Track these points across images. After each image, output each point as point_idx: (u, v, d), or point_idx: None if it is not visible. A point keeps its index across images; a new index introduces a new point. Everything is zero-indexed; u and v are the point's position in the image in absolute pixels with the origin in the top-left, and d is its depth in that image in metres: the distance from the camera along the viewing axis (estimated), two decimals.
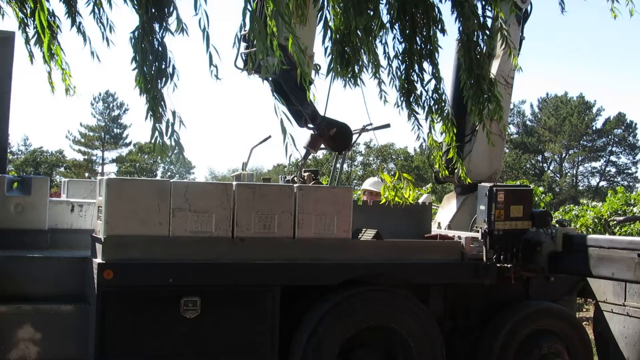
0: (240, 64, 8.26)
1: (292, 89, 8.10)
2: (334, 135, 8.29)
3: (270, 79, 8.04)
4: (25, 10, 5.68)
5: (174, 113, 5.55)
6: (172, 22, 5.56)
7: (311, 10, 7.57)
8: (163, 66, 5.58)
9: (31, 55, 6.02)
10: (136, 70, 5.56)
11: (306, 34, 8.03)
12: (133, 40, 5.59)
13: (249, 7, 5.24)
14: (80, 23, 6.06)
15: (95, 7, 6.02)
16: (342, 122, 8.47)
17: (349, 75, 6.80)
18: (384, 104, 7.45)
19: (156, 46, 5.60)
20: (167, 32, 5.61)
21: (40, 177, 8.37)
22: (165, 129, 5.52)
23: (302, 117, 8.35)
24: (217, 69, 5.50)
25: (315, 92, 7.40)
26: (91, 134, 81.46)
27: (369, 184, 11.72)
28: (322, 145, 8.73)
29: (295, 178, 8.62)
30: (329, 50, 6.56)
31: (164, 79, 5.58)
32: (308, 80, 5.77)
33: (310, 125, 8.38)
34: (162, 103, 5.53)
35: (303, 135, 8.63)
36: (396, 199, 7.99)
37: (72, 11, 6.00)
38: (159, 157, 5.58)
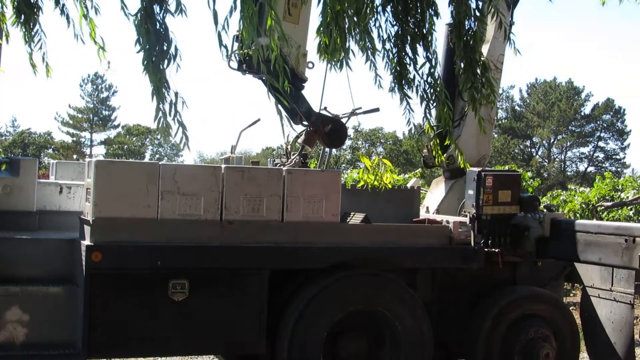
0: (234, 64, 8.23)
1: (284, 88, 8.09)
2: (328, 132, 8.30)
3: (264, 78, 8.02)
4: None
5: (176, 94, 5.58)
6: (171, 2, 5.56)
7: (303, 10, 7.57)
8: (165, 47, 5.58)
9: (7, 35, 5.99)
10: (141, 52, 5.55)
11: (299, 32, 8.03)
12: (136, 22, 5.58)
13: None
14: (63, 5, 6.02)
15: None
16: (336, 117, 8.46)
17: (335, 60, 6.80)
18: (379, 89, 7.46)
19: (158, 27, 5.60)
20: (167, 14, 5.60)
21: (29, 158, 8.34)
22: (169, 110, 5.53)
23: (297, 115, 8.34)
24: (227, 50, 5.51)
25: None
26: (80, 115, 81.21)
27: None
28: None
29: (283, 160, 8.63)
30: (318, 35, 6.56)
31: (166, 61, 5.59)
32: (281, 65, 5.76)
33: (305, 123, 8.38)
34: (166, 84, 5.54)
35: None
36: (375, 182, 8.00)
37: None
38: (163, 137, 5.61)
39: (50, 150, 78.09)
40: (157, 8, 5.62)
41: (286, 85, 6.02)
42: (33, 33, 5.79)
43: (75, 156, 70.40)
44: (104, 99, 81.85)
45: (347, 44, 6.79)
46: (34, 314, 6.89)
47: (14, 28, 5.79)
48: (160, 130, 5.59)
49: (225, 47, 5.54)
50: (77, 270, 6.98)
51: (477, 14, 7.29)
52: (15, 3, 5.63)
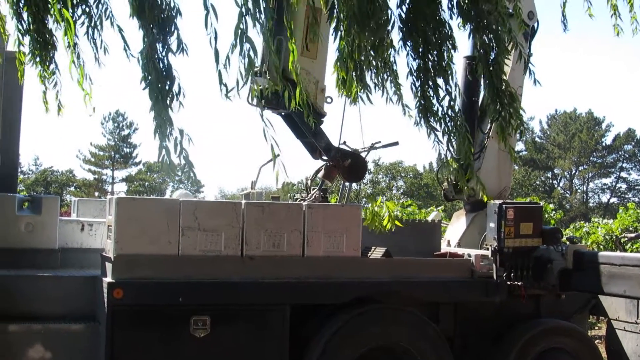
0: (253, 100, 8.26)
1: (304, 122, 8.11)
2: (348, 166, 8.29)
3: (283, 114, 8.05)
4: (22, 27, 5.71)
5: (181, 131, 5.57)
6: (173, 41, 5.60)
7: (321, 45, 7.62)
8: (168, 86, 5.61)
9: (22, 75, 6.05)
10: (147, 89, 5.59)
11: (317, 67, 8.06)
12: (141, 60, 5.62)
13: (241, 26, 5.26)
14: (76, 44, 6.08)
15: (90, 29, 6.05)
16: (356, 152, 8.46)
17: (350, 94, 6.83)
18: (408, 118, 7.46)
19: (161, 66, 5.63)
20: (169, 52, 5.64)
21: (51, 196, 8.40)
22: (174, 147, 5.54)
23: (316, 149, 8.35)
24: (226, 88, 5.52)
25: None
26: (101, 153, 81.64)
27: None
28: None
29: (303, 195, 8.63)
30: (336, 69, 6.59)
31: (169, 98, 5.61)
32: (304, 100, 5.78)
33: (325, 157, 8.38)
34: (169, 122, 5.56)
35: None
36: (375, 225, 7.93)
37: (69, 32, 6.02)
38: (167, 176, 5.62)
39: (72, 188, 78.48)
40: (159, 46, 5.66)
41: (310, 120, 6.03)
42: (49, 72, 5.85)
43: (96, 193, 70.70)
44: (125, 136, 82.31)
45: (365, 79, 6.82)
46: (57, 351, 6.91)
47: (31, 67, 5.85)
48: (163, 168, 5.61)
49: (225, 85, 5.54)
50: (99, 307, 6.99)
51: (499, 44, 7.30)
52: (32, 43, 5.69)
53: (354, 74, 6.57)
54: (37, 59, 5.74)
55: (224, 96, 5.56)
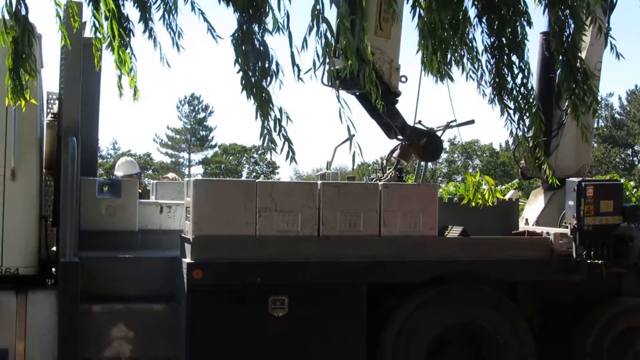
0: (327, 80, 8.25)
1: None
2: (424, 145, 8.23)
3: (357, 94, 8.03)
4: (98, 14, 5.80)
5: (280, 110, 5.63)
6: (269, 21, 5.63)
7: (395, 24, 7.57)
8: (267, 65, 5.65)
9: (99, 61, 6.15)
10: (240, 72, 5.64)
11: (390, 47, 8.00)
12: (234, 42, 5.67)
13: (318, 6, 5.27)
14: (151, 28, 6.15)
15: (166, 13, 6.11)
16: (431, 131, 8.39)
17: (435, 71, 6.78)
18: (483, 97, 7.41)
19: (257, 46, 5.68)
20: (265, 32, 5.68)
21: (130, 179, 8.54)
22: (274, 126, 5.60)
23: (391, 129, 8.31)
24: (299, 70, 5.55)
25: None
26: (178, 136, 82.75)
27: (121, 169, 10.94)
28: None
29: (379, 175, 8.61)
30: (421, 48, 6.56)
31: (268, 78, 5.66)
32: (374, 82, 5.75)
33: (400, 137, 8.34)
34: (270, 102, 5.61)
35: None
36: (477, 199, 7.87)
37: (145, 16, 6.09)
38: (268, 154, 5.67)
39: (150, 171, 79.76)
40: (255, 27, 5.70)
41: (379, 102, 6.01)
42: (125, 57, 5.92)
43: (170, 175, 71.44)
44: (201, 119, 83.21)
45: (447, 55, 6.77)
46: (139, 330, 7.06)
47: (108, 52, 5.93)
48: (265, 147, 5.66)
49: (298, 66, 5.56)
50: (179, 287, 7.11)
51: (575, 20, 7.17)
52: (111, 28, 5.77)
53: (439, 52, 6.54)
54: (114, 45, 5.82)
55: (297, 78, 5.59)
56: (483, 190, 7.81)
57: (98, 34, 5.92)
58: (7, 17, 5.33)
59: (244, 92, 5.66)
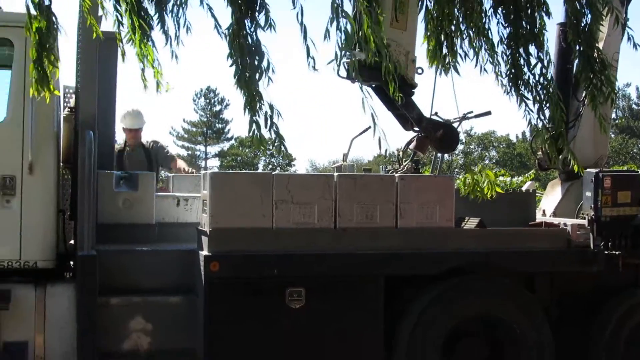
0: (343, 72, 8.24)
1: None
2: (440, 137, 8.21)
3: (374, 85, 8.02)
4: (119, 9, 5.82)
5: (271, 106, 5.65)
6: (261, 18, 5.66)
7: (411, 16, 7.55)
8: (257, 61, 5.67)
9: (123, 54, 6.17)
10: (234, 66, 5.66)
11: (406, 38, 7.98)
12: (228, 37, 5.70)
13: (337, 1, 5.30)
14: (164, 23, 6.18)
15: (175, 7, 6.13)
16: (447, 122, 8.36)
17: (440, 64, 6.77)
18: (501, 88, 7.39)
19: (250, 42, 5.70)
20: (258, 28, 5.70)
21: (147, 172, 8.57)
22: (265, 122, 5.62)
23: (407, 121, 8.30)
24: (314, 61, 5.57)
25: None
26: (194, 129, 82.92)
27: (126, 122, 10.62)
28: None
29: (395, 167, 8.60)
30: (425, 39, 6.56)
31: (258, 74, 5.67)
32: (392, 74, 5.76)
33: (416, 129, 8.33)
34: (259, 97, 5.63)
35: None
36: (476, 193, 7.85)
37: (160, 10, 6.11)
38: (258, 150, 5.71)
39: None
40: (248, 23, 5.72)
41: (397, 94, 6.02)
42: (146, 50, 5.94)
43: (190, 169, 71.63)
44: (217, 112, 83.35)
45: (455, 48, 6.75)
46: (156, 323, 7.10)
47: (130, 46, 5.95)
48: (254, 142, 5.69)
49: (313, 58, 5.60)
50: (196, 280, 7.14)
51: (592, 10, 7.14)
52: (131, 22, 5.79)
53: (445, 43, 6.53)
54: (135, 38, 5.84)
55: (312, 68, 5.61)
56: (483, 184, 7.79)
57: (121, 28, 5.93)
58: (31, 7, 5.35)
59: (237, 87, 5.69)
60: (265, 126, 5.66)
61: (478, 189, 7.74)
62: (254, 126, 5.63)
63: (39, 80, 5.46)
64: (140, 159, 10.50)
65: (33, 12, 5.32)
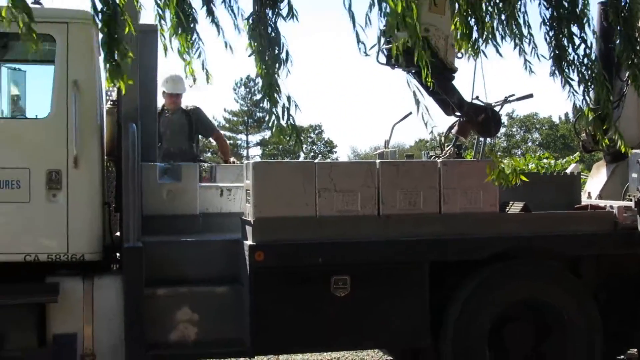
0: (382, 59, 8.21)
1: (436, 78, 8.00)
2: (482, 121, 8.16)
3: (413, 71, 7.98)
4: (159, 2, 5.82)
5: (288, 98, 5.63)
6: (283, 7, 5.65)
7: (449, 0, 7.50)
8: (277, 52, 5.67)
9: (165, 48, 6.18)
10: (252, 55, 5.67)
11: (446, 23, 7.93)
12: (248, 26, 5.70)
13: None
14: (214, 13, 6.19)
15: None
16: (489, 106, 8.30)
17: (469, 47, 6.71)
18: (530, 74, 7.31)
19: (270, 32, 5.69)
20: (279, 18, 5.69)
21: (189, 164, 8.61)
22: (282, 113, 5.62)
23: (449, 106, 8.25)
24: (365, 46, 5.58)
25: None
26: (235, 119, 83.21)
27: (168, 86, 10.50)
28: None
29: (437, 152, 8.56)
30: (454, 25, 6.51)
31: (277, 64, 5.67)
32: (424, 60, 5.72)
33: (458, 113, 8.28)
34: (277, 88, 5.62)
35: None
36: (499, 180, 7.77)
37: (208, 1, 6.12)
38: (277, 140, 5.70)
39: (208, 154, 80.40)
40: (269, 12, 5.71)
41: (429, 80, 5.98)
42: (191, 42, 5.96)
43: (232, 159, 72.00)
44: (258, 101, 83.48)
45: (484, 33, 6.68)
46: (203, 313, 7.14)
47: (173, 39, 5.96)
48: (274, 133, 5.69)
49: (364, 43, 5.59)
50: (241, 269, 7.17)
51: None
52: (175, 19, 5.80)
53: (475, 28, 6.47)
54: (179, 31, 5.86)
55: (363, 53, 5.61)
56: (507, 171, 7.70)
57: (162, 22, 5.95)
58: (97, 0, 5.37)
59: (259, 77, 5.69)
60: (282, 117, 5.66)
61: (501, 176, 7.66)
62: (273, 117, 5.64)
63: (112, 72, 5.47)
64: (182, 121, 10.49)
65: (99, 4, 5.33)
